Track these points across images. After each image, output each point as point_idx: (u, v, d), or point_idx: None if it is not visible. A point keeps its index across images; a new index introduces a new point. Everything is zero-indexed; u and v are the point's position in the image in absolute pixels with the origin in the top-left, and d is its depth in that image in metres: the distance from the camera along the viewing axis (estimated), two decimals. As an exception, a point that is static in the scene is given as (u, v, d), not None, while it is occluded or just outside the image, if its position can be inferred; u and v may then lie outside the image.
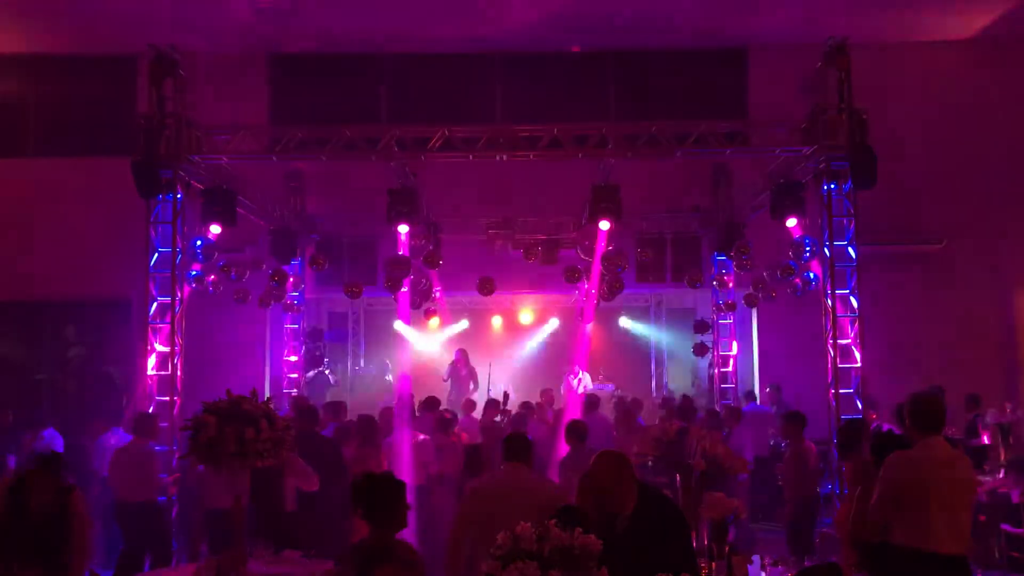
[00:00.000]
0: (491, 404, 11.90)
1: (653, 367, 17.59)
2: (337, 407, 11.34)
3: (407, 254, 12.29)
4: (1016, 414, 11.77)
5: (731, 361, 14.75)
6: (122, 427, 10.98)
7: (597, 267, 12.46)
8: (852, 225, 9.86)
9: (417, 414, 10.81)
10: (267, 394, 10.34)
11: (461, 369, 15.61)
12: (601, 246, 12.02)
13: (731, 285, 14.22)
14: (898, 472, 5.19)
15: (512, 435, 6.42)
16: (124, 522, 8.64)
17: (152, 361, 9.86)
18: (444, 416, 10.45)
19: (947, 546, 5.09)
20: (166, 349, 9.84)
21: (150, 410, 9.61)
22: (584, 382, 15.67)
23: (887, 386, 10.82)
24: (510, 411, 11.81)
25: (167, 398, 9.72)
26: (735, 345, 14.66)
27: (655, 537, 4.62)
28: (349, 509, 4.79)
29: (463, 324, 17.00)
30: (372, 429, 9.29)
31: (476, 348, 16.45)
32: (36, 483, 5.59)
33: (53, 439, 10.50)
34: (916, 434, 5.30)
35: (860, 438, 6.81)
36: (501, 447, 6.07)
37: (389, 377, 16.68)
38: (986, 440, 11.33)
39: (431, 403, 11.08)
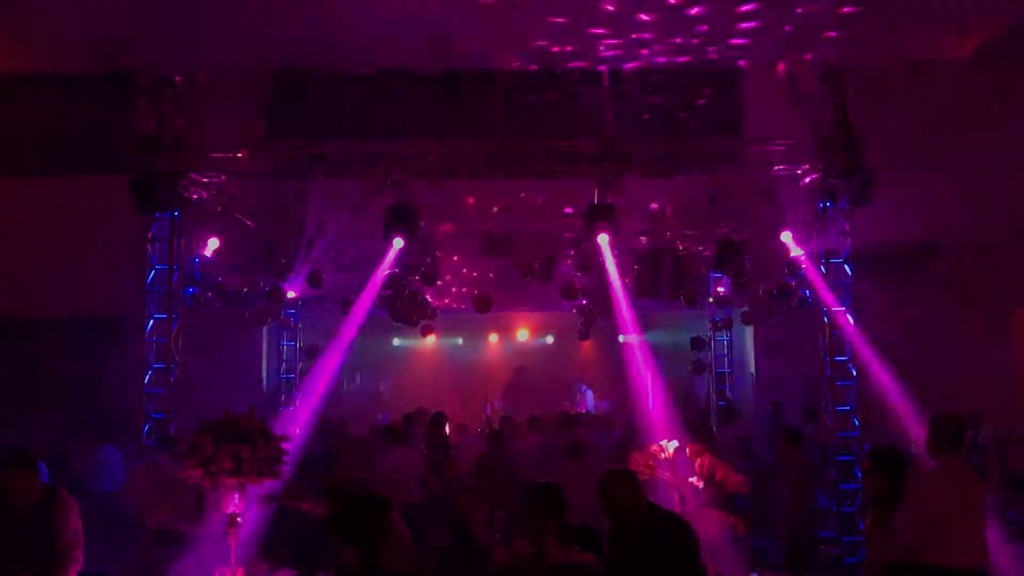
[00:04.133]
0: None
1: (650, 384, 17.55)
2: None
3: (397, 269, 12.31)
4: (1013, 431, 11.77)
5: (728, 378, 14.76)
6: (112, 444, 10.98)
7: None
8: (848, 242, 9.90)
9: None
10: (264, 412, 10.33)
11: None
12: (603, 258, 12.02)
13: (728, 302, 14.24)
14: (934, 491, 5.25)
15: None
16: (142, 542, 8.48)
17: (148, 379, 9.84)
18: (442, 432, 10.49)
19: (978, 559, 5.28)
20: (162, 366, 9.82)
21: (145, 429, 9.62)
22: (587, 400, 15.69)
23: (883, 403, 10.82)
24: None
25: (163, 415, 9.70)
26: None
27: (661, 556, 4.60)
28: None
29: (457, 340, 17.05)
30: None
31: (473, 364, 16.46)
32: (18, 483, 5.18)
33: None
34: (939, 452, 5.36)
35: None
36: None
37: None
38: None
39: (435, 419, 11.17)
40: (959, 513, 5.21)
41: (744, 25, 13.10)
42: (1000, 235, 13.90)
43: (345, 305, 13.30)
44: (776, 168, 10.27)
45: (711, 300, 14.35)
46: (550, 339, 17.02)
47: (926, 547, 5.21)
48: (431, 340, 16.41)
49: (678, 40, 13.61)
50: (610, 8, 12.16)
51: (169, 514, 8.17)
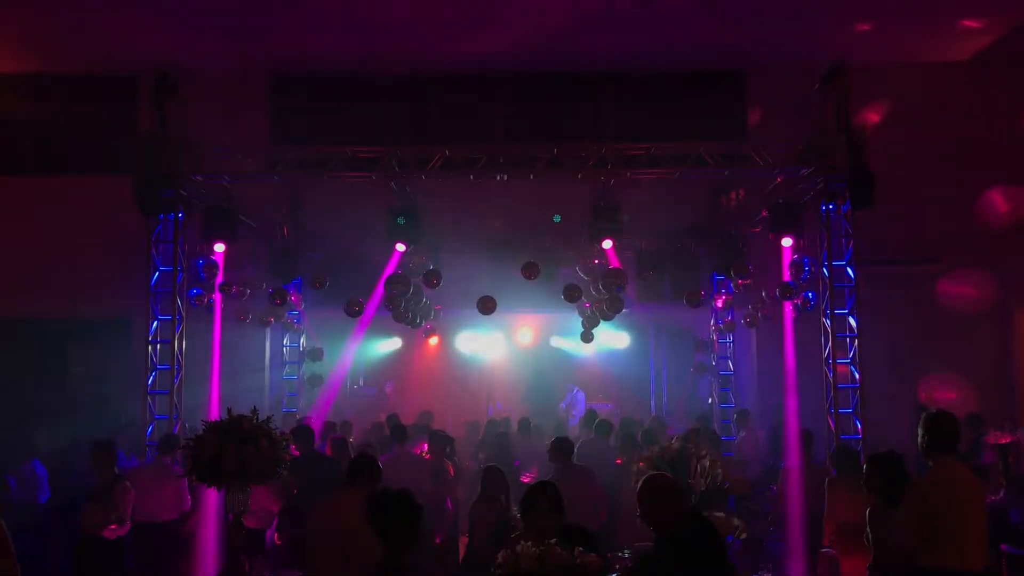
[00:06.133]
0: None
1: (652, 386, 17.56)
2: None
3: (401, 271, 12.33)
4: (1016, 434, 11.74)
5: (730, 380, 14.76)
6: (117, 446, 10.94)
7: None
8: (851, 245, 9.91)
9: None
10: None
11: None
12: (614, 262, 12.04)
13: (730, 305, 14.23)
14: (930, 494, 5.23)
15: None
16: (144, 543, 8.46)
17: (152, 379, 9.87)
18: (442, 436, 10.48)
19: (978, 563, 5.23)
20: (167, 367, 9.84)
21: (149, 430, 9.64)
22: (573, 402, 15.67)
23: (885, 406, 10.83)
24: None
25: (167, 416, 9.72)
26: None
27: (682, 563, 4.56)
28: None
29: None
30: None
31: (475, 365, 16.47)
32: None
33: (36, 472, 10.30)
34: (934, 454, 5.34)
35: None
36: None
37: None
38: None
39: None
40: (955, 515, 5.15)
41: (748, 27, 13.14)
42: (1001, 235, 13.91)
43: (350, 307, 13.32)
44: (779, 170, 10.28)
45: (714, 302, 14.33)
46: (553, 341, 17.00)
47: (923, 550, 5.18)
48: (434, 341, 16.43)
49: (682, 41, 13.66)
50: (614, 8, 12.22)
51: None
